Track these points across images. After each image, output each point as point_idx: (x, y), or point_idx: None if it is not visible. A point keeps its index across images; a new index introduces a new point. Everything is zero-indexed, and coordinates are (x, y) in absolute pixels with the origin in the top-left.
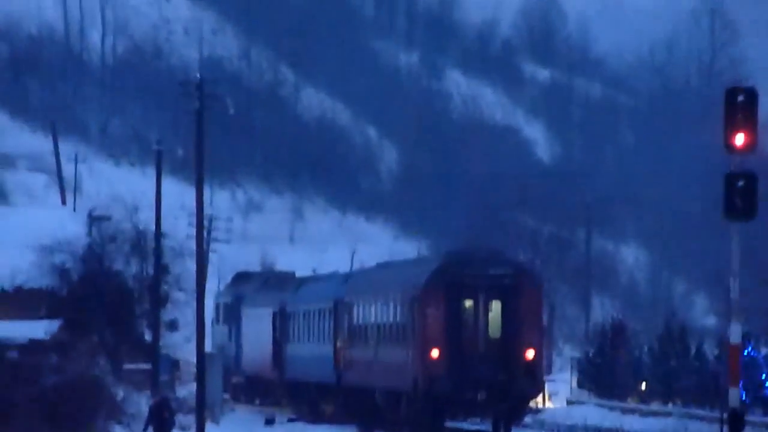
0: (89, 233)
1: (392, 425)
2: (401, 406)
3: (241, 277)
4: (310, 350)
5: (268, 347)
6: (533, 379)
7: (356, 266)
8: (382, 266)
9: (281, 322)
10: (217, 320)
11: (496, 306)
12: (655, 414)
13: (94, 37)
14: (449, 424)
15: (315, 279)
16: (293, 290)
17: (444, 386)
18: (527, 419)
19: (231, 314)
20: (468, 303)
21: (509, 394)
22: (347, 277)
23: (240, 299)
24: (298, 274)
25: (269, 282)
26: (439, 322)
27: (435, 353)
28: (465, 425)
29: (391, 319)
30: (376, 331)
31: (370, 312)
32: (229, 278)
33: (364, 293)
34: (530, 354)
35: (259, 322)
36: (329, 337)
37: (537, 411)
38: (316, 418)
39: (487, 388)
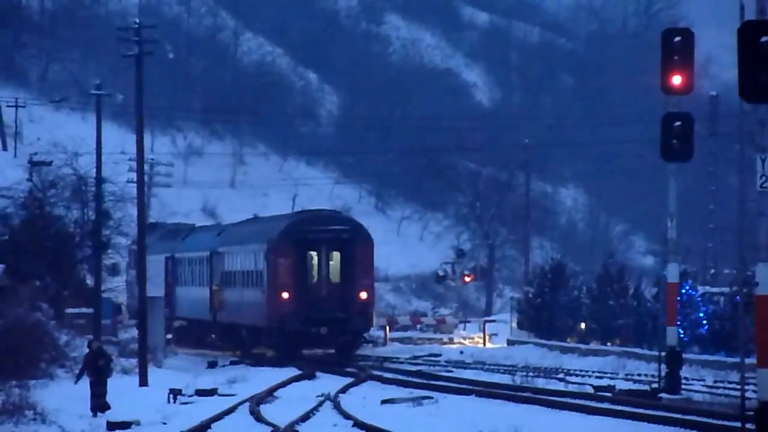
0: (30, 179)
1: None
2: (260, 339)
3: (150, 227)
4: (193, 293)
5: (162, 289)
6: (366, 316)
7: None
8: (249, 221)
9: (172, 267)
10: (130, 265)
11: (335, 256)
12: (594, 353)
13: None
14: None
15: (199, 230)
16: (181, 239)
17: (292, 323)
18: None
19: (133, 259)
20: (312, 254)
21: (346, 328)
22: (222, 230)
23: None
24: (240, 218)
25: (168, 232)
26: (289, 270)
27: (285, 295)
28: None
29: (252, 267)
30: (241, 277)
31: (237, 261)
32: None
33: (233, 244)
34: (364, 295)
35: (156, 267)
36: (206, 281)
37: (369, 341)
38: (258, 361)
39: (328, 324)
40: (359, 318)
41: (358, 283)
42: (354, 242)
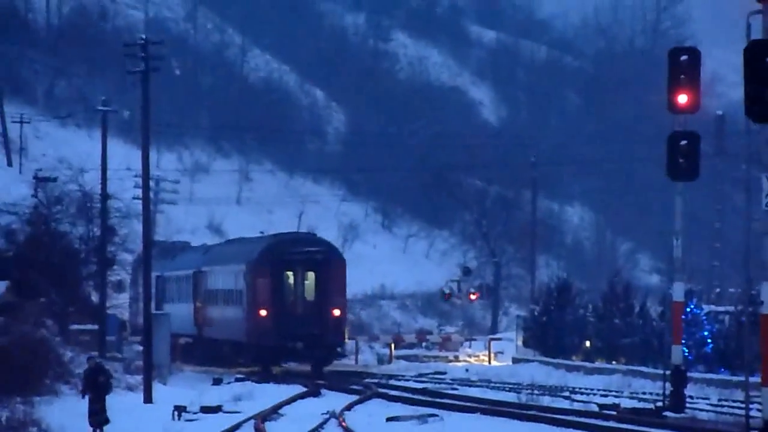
0: (35, 195)
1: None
2: (241, 354)
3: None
4: (180, 309)
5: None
6: (339, 331)
7: (303, 228)
8: (231, 242)
9: (162, 284)
10: (133, 281)
11: (310, 276)
12: (599, 371)
13: None
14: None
15: (186, 250)
16: (170, 258)
17: (270, 338)
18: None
19: (136, 276)
20: (289, 274)
21: (321, 343)
22: (206, 250)
23: (138, 264)
24: (246, 235)
25: (161, 251)
26: (267, 289)
27: (263, 312)
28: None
29: (232, 285)
30: (223, 295)
31: (219, 280)
32: (175, 239)
33: (216, 264)
34: (337, 312)
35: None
36: (191, 298)
37: (343, 356)
38: (264, 378)
39: (303, 339)
40: (332, 333)
41: (332, 301)
42: (328, 263)
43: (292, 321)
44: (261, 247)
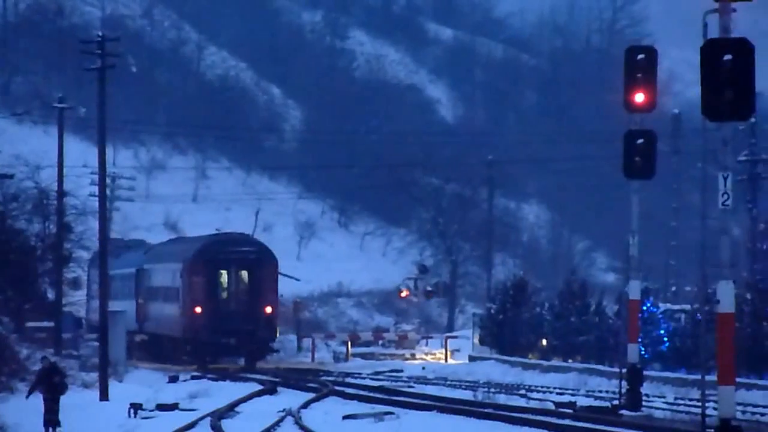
0: None
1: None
2: (177, 349)
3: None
4: (123, 306)
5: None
6: (271, 328)
7: (260, 225)
8: (171, 242)
9: (91, 282)
10: (89, 279)
11: (243, 275)
12: (555, 369)
13: None
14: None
15: (130, 248)
16: (115, 256)
17: (205, 334)
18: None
19: (92, 273)
20: (223, 272)
21: (253, 339)
22: (147, 249)
23: (92, 262)
24: (202, 233)
25: (116, 248)
26: (201, 287)
27: (198, 310)
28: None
29: (170, 283)
30: (162, 292)
31: (159, 278)
32: (132, 236)
33: (156, 263)
34: (269, 309)
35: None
36: (133, 295)
37: (275, 351)
38: (220, 376)
39: (236, 335)
40: (265, 330)
41: (264, 299)
42: (260, 262)
43: (225, 318)
44: (196, 247)
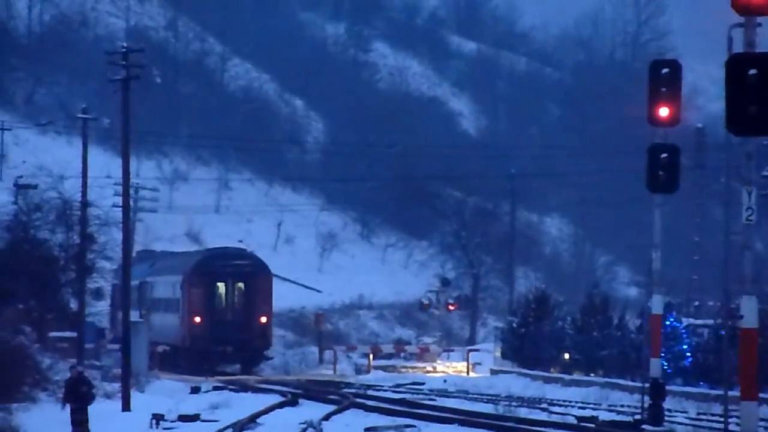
0: (15, 202)
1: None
2: (179, 356)
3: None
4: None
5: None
6: (265, 337)
7: (282, 237)
8: (173, 255)
9: (116, 293)
10: (114, 289)
11: (240, 286)
12: (577, 384)
13: (21, 5)
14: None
15: (139, 261)
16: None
17: (203, 342)
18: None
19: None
20: (220, 284)
21: (248, 347)
22: (152, 262)
23: (116, 273)
24: (225, 244)
25: (139, 259)
26: (200, 298)
27: (197, 319)
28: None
29: (171, 295)
30: (164, 303)
31: (161, 289)
32: (154, 247)
33: (158, 275)
34: (263, 319)
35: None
36: (138, 306)
37: (269, 358)
38: (242, 387)
39: (233, 344)
40: (259, 339)
41: (259, 310)
42: (255, 275)
43: (222, 327)
44: (195, 260)
